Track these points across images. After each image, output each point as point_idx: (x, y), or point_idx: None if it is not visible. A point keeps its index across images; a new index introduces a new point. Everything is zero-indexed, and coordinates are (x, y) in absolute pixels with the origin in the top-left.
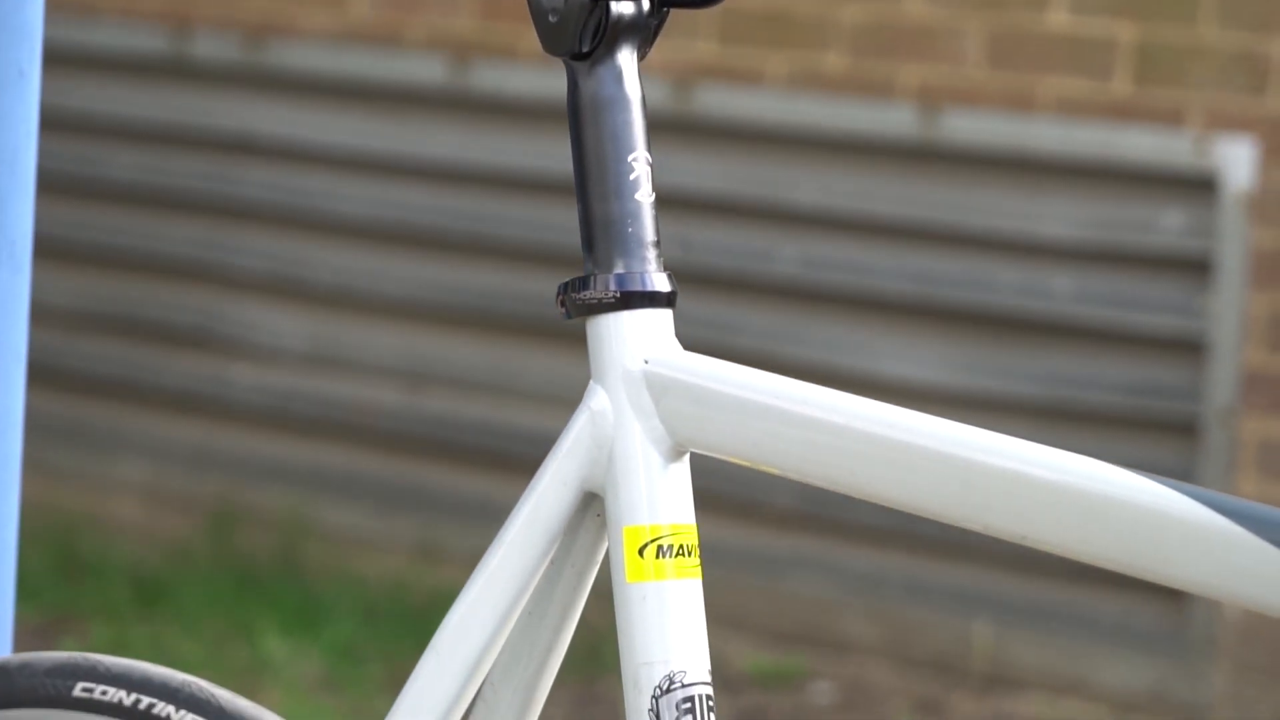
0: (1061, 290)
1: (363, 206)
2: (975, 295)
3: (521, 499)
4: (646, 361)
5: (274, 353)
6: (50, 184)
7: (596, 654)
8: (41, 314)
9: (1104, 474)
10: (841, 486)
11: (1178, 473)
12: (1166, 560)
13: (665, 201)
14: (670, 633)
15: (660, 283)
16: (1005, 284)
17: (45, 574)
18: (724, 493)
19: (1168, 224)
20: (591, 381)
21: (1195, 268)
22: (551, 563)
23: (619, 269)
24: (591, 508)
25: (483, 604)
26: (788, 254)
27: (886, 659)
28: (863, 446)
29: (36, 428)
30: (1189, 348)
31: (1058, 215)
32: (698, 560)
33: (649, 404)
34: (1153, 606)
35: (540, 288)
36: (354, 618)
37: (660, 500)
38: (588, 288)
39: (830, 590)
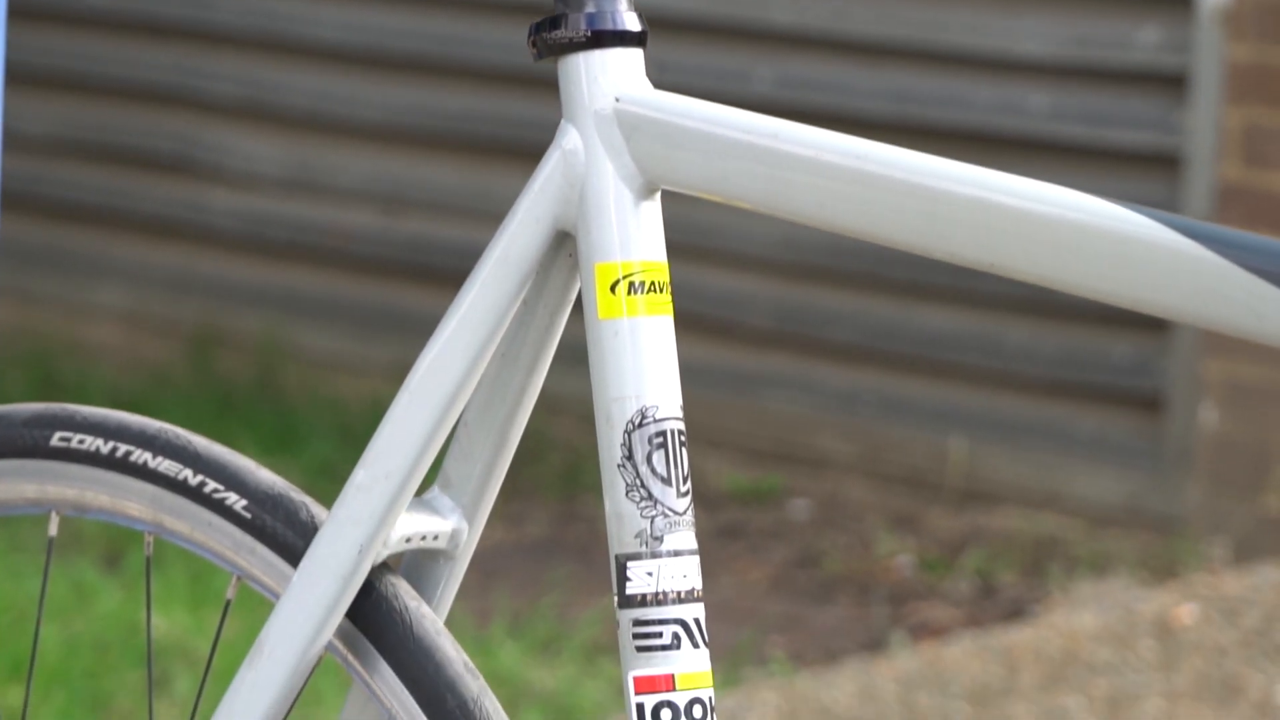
0: (1037, 107)
1: (338, 30)
2: (951, 113)
3: (493, 240)
4: (617, 100)
5: (250, 177)
6: (25, 11)
7: (575, 473)
8: (19, 141)
9: (1071, 200)
10: (811, 220)
11: None
12: (1133, 284)
13: None
14: (642, 368)
15: (631, 22)
16: (982, 101)
17: (24, 398)
18: (701, 313)
19: (1144, 39)
20: (563, 121)
21: (1171, 83)
22: (524, 303)
23: (590, 8)
24: (564, 247)
25: (456, 344)
26: (764, 74)
27: (862, 475)
28: (831, 179)
29: (15, 254)
30: (1165, 163)
31: (1034, 32)
32: (669, 297)
33: (620, 142)
34: (1128, 420)
35: (516, 110)
36: (332, 438)
37: (631, 237)
38: (559, 27)
39: (806, 408)
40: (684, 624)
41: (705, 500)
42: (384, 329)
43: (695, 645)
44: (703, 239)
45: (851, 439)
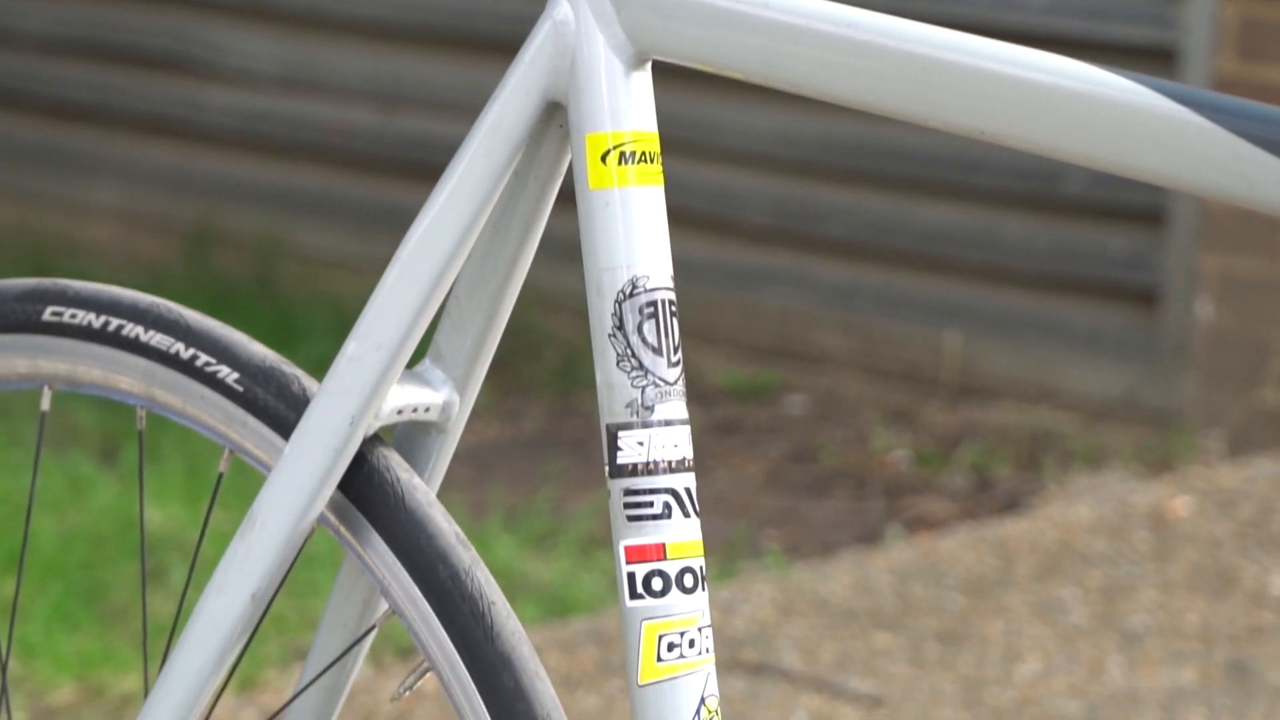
0: (1035, 1)
1: None
2: (950, 7)
3: (483, 111)
4: None
5: (247, 75)
6: None
7: (571, 368)
8: (12, 39)
9: (1063, 67)
10: (804, 89)
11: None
12: (1125, 150)
13: None
14: (633, 238)
15: None
16: None
17: None
18: (697, 209)
19: None
20: None
21: None
22: (515, 174)
23: None
24: (554, 118)
25: (447, 216)
26: None
27: (859, 370)
28: (823, 48)
29: (11, 152)
30: (1161, 57)
31: None
32: (659, 168)
33: (610, 12)
34: (1124, 314)
35: (514, 6)
36: (329, 335)
37: (622, 107)
38: None
39: (803, 304)
40: (675, 493)
41: (701, 396)
42: (381, 226)
43: (686, 515)
44: (700, 134)
45: (848, 334)
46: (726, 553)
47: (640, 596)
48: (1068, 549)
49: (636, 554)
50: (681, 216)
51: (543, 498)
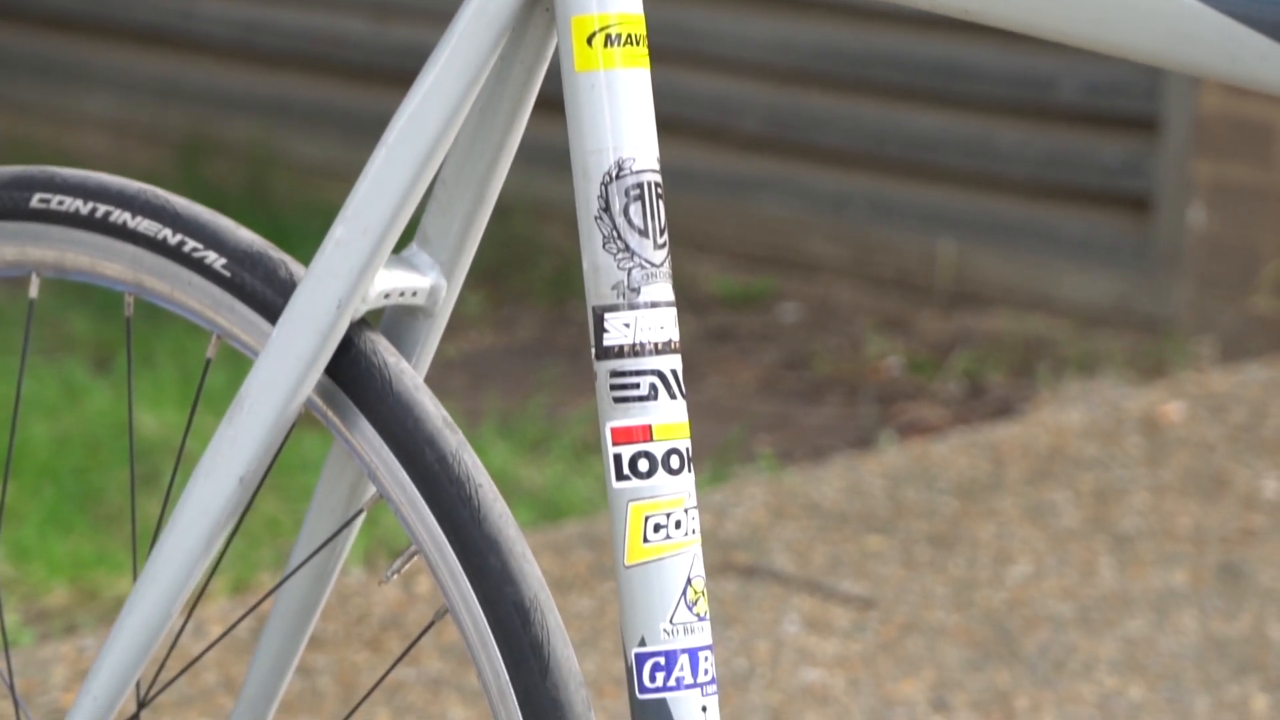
0: None
1: None
2: None
3: None
4: None
5: None
6: None
7: (565, 278)
8: None
9: None
10: None
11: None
12: (1109, 28)
13: None
14: (619, 120)
15: None
16: None
17: None
18: (691, 117)
19: None
20: None
21: None
22: (501, 58)
23: None
24: (540, 3)
25: (433, 98)
26: None
27: (852, 278)
28: None
29: (3, 63)
30: None
31: None
32: (646, 50)
33: None
34: (1117, 221)
35: None
36: None
37: None
38: None
39: (797, 212)
40: (661, 375)
41: (695, 304)
42: (374, 135)
43: (673, 396)
44: (694, 43)
45: (841, 242)
46: (719, 457)
47: (626, 478)
48: (1060, 453)
49: (623, 435)
50: (675, 125)
51: (536, 404)
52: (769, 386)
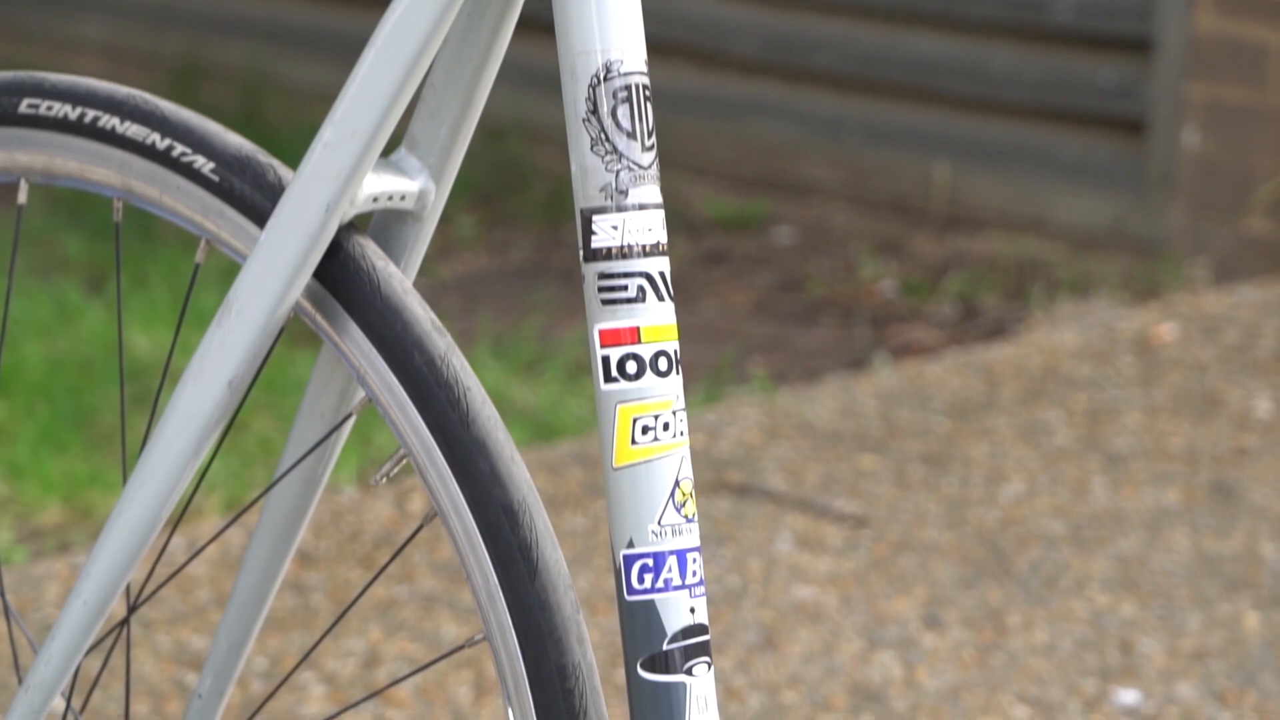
0: None
1: None
2: None
3: None
4: None
5: None
6: None
7: (559, 200)
8: None
9: None
10: None
11: None
12: None
13: None
14: (608, 21)
15: None
16: None
17: None
18: (686, 40)
19: None
20: None
21: None
22: None
23: None
24: None
25: (422, 0)
26: None
27: (847, 201)
28: None
29: None
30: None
31: None
32: None
33: None
34: (1111, 143)
35: None
36: None
37: None
38: None
39: (792, 135)
40: (649, 277)
41: (689, 227)
42: None
43: (660, 298)
44: None
45: (836, 165)
46: (712, 378)
47: (615, 380)
48: (1053, 374)
49: (611, 338)
50: (671, 48)
51: (530, 326)
52: (763, 309)
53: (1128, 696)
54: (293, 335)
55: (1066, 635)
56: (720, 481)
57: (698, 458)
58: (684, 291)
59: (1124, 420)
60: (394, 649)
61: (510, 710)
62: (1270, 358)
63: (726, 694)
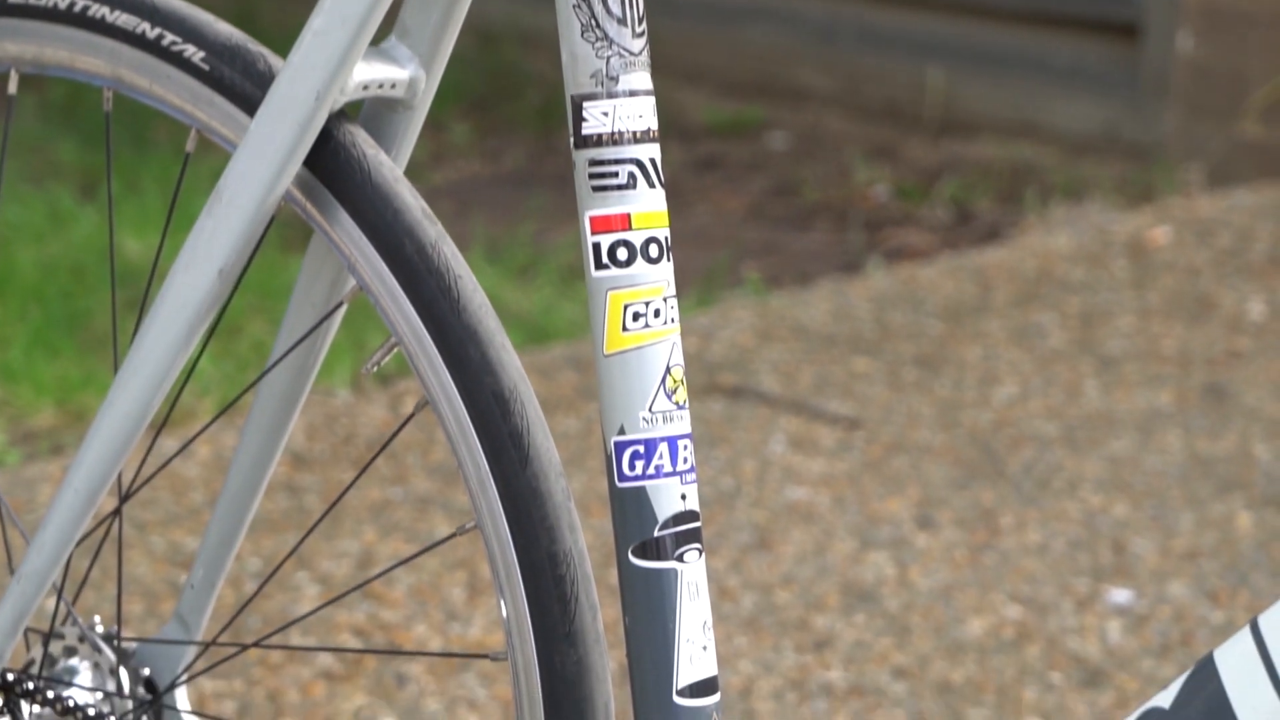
0: None
1: None
2: None
3: None
4: None
5: None
6: None
7: (552, 107)
8: None
9: None
10: None
11: None
12: None
13: None
14: None
15: None
16: None
17: None
18: None
19: None
20: None
21: None
22: None
23: None
24: None
25: None
26: None
27: (841, 107)
28: None
29: None
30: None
31: None
32: None
33: None
34: (1105, 48)
35: None
36: None
37: None
38: None
39: (785, 40)
40: (640, 164)
41: (683, 133)
42: None
43: (651, 185)
44: None
45: (830, 71)
46: (706, 283)
47: (605, 267)
48: (1047, 276)
49: (601, 224)
50: None
51: (523, 231)
52: (757, 214)
53: (1120, 596)
54: (286, 240)
55: (1059, 535)
56: (714, 384)
57: (691, 361)
58: (678, 197)
59: (1117, 323)
60: (388, 550)
61: (502, 601)
62: (1264, 261)
63: (720, 594)
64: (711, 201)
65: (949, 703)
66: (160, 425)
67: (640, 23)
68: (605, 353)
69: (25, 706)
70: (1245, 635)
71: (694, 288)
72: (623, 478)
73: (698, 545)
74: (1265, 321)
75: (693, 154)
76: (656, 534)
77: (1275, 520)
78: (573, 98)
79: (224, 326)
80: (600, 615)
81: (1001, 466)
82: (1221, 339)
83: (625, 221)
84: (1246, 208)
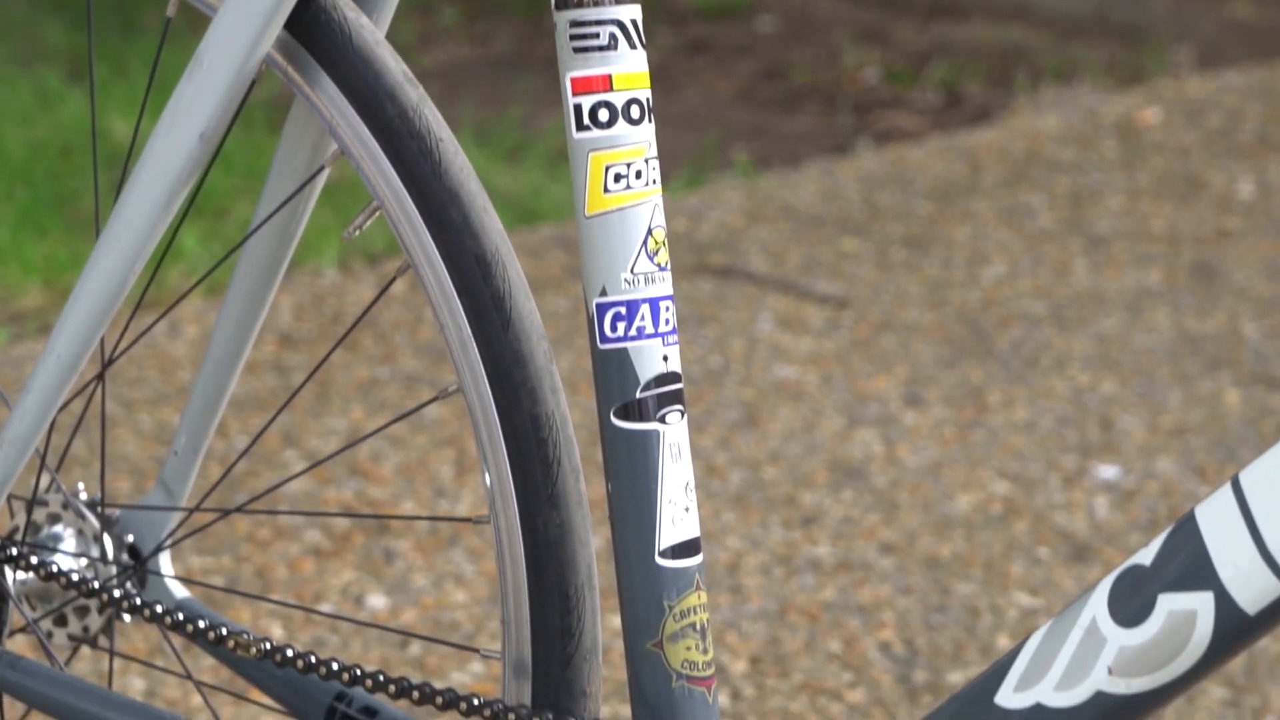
0: None
1: None
2: None
3: None
4: None
5: None
6: None
7: None
8: None
9: None
10: None
11: None
12: None
13: None
14: None
15: None
16: None
17: None
18: None
19: None
20: None
21: None
22: None
23: None
24: None
25: None
26: None
27: None
28: None
29: None
30: None
31: None
32: None
33: None
34: None
35: None
36: None
37: None
38: None
39: None
40: (621, 25)
41: (671, 16)
42: None
43: (633, 46)
44: None
45: None
46: (695, 164)
47: (587, 128)
48: (1036, 157)
49: (583, 85)
50: None
51: (512, 114)
52: (746, 97)
53: (1107, 472)
54: (274, 122)
55: (1047, 413)
56: (702, 264)
57: (680, 241)
58: (667, 80)
59: (1106, 203)
60: (375, 427)
61: (485, 465)
62: (1253, 141)
63: (708, 470)
64: (701, 84)
65: (936, 577)
66: (140, 298)
67: None
68: (586, 214)
69: (9, 572)
70: (1226, 492)
71: (683, 169)
72: (604, 339)
73: (680, 407)
74: (1254, 201)
75: (682, 37)
76: (638, 395)
77: (1263, 397)
78: None
79: (211, 208)
80: (583, 479)
81: (990, 345)
82: (1211, 218)
83: (606, 83)
84: (1236, 88)
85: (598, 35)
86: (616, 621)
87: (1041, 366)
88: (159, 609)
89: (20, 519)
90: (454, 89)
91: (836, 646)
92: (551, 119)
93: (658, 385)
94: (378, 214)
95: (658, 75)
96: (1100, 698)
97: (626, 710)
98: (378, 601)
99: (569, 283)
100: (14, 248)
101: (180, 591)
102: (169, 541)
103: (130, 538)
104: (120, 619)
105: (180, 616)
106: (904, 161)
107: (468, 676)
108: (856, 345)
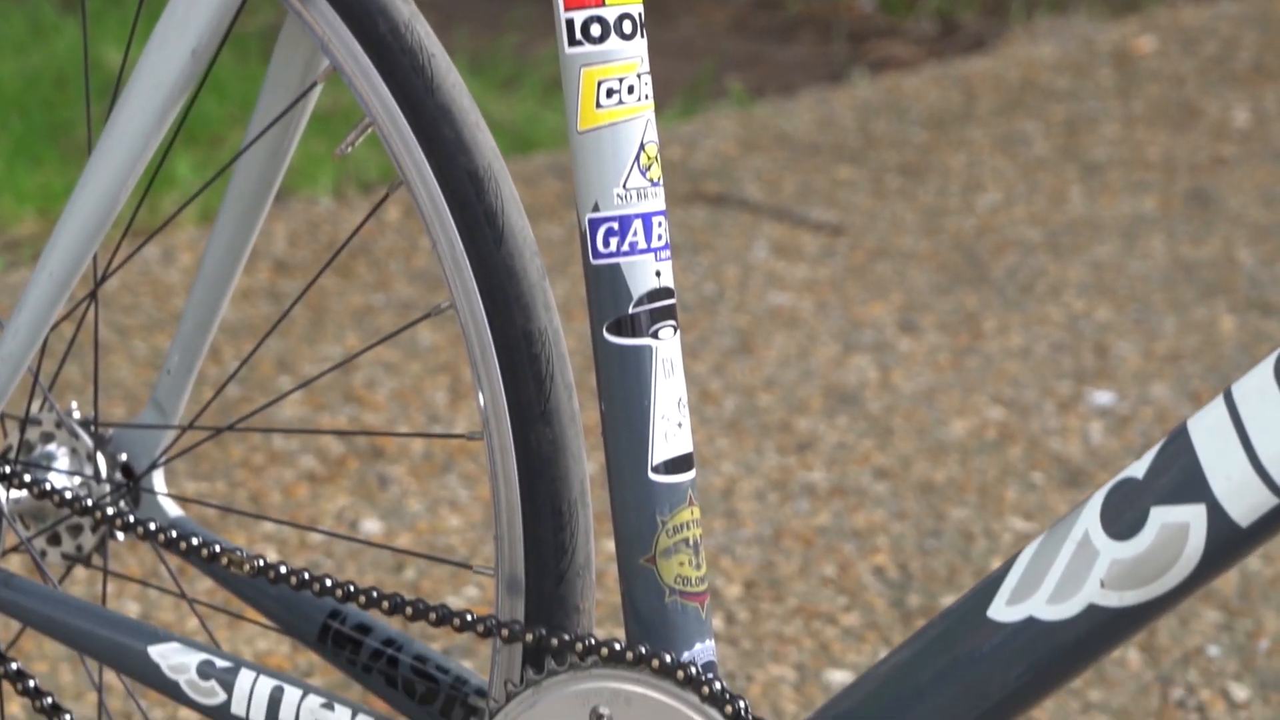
0: None
1: None
2: None
3: None
4: None
5: None
6: None
7: None
8: None
9: None
10: None
11: None
12: None
13: None
14: None
15: None
16: None
17: None
18: None
19: None
20: None
21: None
22: None
23: None
24: None
25: None
26: None
27: None
28: None
29: None
30: None
31: None
32: None
33: None
34: None
35: None
36: None
37: None
38: None
39: None
40: None
41: None
42: None
43: None
44: None
45: None
46: (689, 94)
47: (579, 43)
48: (1031, 85)
49: (575, 0)
50: None
51: (506, 43)
52: (740, 26)
53: (1102, 397)
54: (269, 52)
55: (1042, 339)
56: (697, 192)
57: (674, 169)
58: (661, 10)
59: (1102, 130)
60: (370, 354)
61: (478, 381)
62: (1249, 69)
63: (702, 397)
64: (695, 14)
65: (931, 502)
66: (129, 222)
67: None
68: (579, 130)
69: (3, 490)
70: (1219, 404)
71: (678, 98)
72: (597, 254)
73: (672, 322)
74: (1250, 128)
75: None
76: (631, 310)
77: (1258, 323)
78: None
79: (205, 136)
80: (575, 395)
81: (985, 272)
82: (1206, 146)
83: None
84: (1231, 16)
85: None
86: (610, 546)
87: (1036, 293)
88: (152, 526)
89: (14, 438)
90: (448, 18)
91: (831, 571)
92: (546, 47)
93: (650, 300)
94: (370, 131)
95: (652, 5)
96: (1093, 610)
97: (619, 633)
98: (372, 526)
99: (564, 210)
100: (9, 177)
101: (174, 510)
102: (163, 459)
103: (124, 456)
104: (114, 537)
105: (174, 534)
106: (899, 90)
107: (462, 600)
108: (851, 272)
